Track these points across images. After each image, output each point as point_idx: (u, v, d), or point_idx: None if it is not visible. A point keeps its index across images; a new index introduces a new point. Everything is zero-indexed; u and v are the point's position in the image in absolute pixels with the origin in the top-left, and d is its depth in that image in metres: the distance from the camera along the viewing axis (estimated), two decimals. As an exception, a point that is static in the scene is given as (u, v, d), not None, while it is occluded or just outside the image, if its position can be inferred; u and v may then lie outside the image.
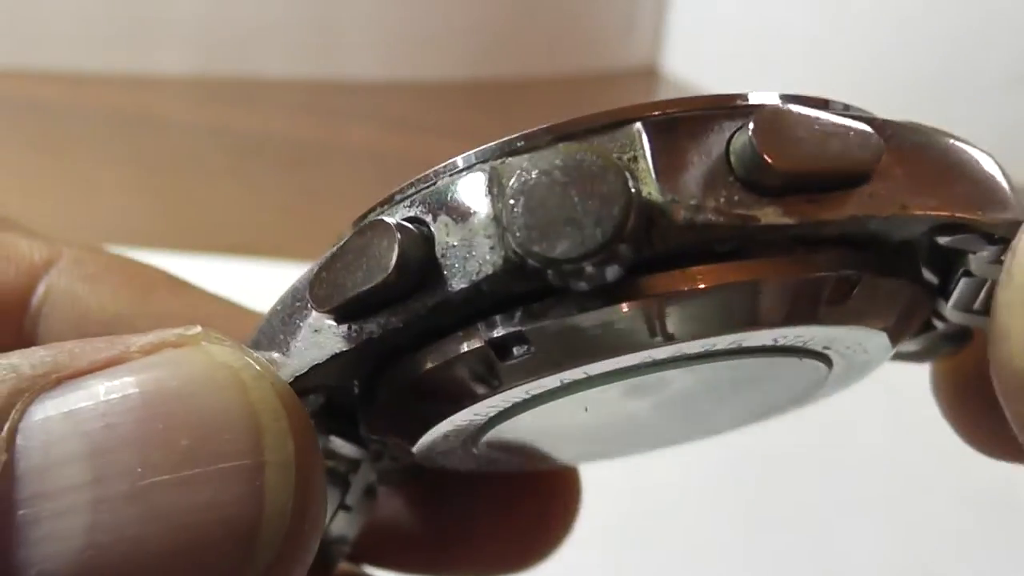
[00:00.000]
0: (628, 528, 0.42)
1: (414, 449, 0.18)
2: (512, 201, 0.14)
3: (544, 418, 0.17)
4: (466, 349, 0.15)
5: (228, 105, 0.79)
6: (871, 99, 0.73)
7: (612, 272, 0.14)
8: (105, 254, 0.24)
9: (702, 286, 0.14)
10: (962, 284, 0.17)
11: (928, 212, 0.15)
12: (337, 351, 0.15)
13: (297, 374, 0.16)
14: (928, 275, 0.17)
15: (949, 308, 0.17)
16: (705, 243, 0.14)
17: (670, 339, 0.15)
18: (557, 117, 0.16)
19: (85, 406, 0.14)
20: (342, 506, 0.20)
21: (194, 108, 0.79)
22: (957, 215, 0.15)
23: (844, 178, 0.14)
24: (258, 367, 0.15)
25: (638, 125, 0.14)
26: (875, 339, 0.17)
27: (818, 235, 0.15)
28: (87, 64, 0.80)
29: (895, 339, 0.17)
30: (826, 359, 0.17)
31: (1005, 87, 0.73)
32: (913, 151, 0.15)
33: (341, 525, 0.21)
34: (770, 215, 0.14)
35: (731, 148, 0.14)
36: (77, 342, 0.15)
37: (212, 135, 0.75)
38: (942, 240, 0.16)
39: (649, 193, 0.14)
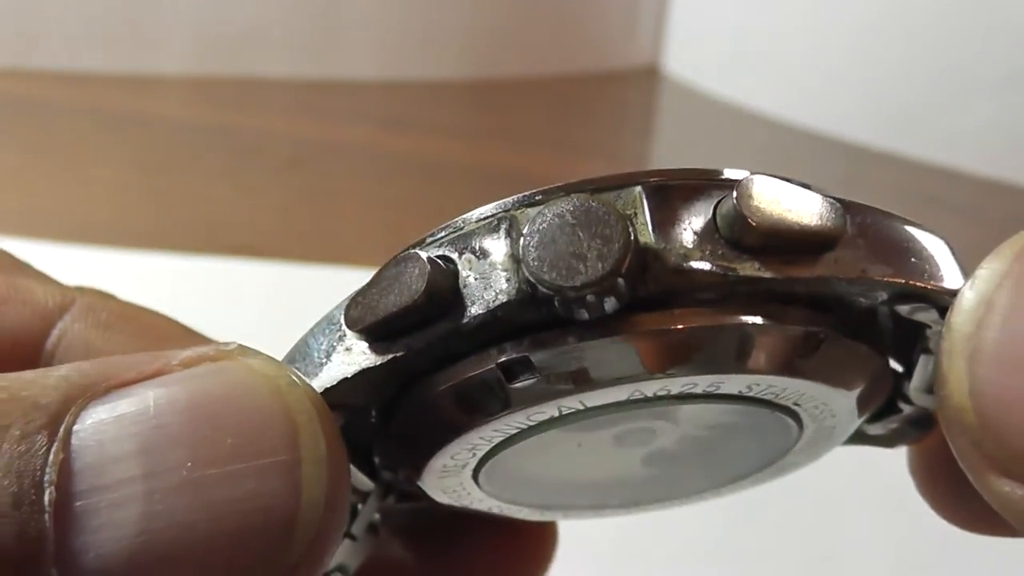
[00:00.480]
0: (623, 540, 0.42)
1: (420, 479, 0.19)
2: (528, 239, 0.16)
3: (540, 453, 0.19)
4: (478, 371, 0.17)
5: (228, 105, 0.79)
6: (871, 99, 0.73)
7: (610, 304, 0.16)
8: (118, 301, 0.25)
9: (680, 326, 0.17)
10: (922, 361, 0.19)
11: (885, 279, 0.17)
12: (365, 367, 0.17)
13: (327, 386, 0.18)
14: (892, 361, 0.20)
15: (912, 388, 0.19)
16: (691, 289, 0.16)
17: (655, 372, 0.17)
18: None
19: (135, 410, 0.15)
20: (347, 534, 0.21)
21: (194, 108, 0.79)
22: (910, 282, 0.17)
23: (813, 243, 0.17)
24: (292, 375, 0.17)
25: (639, 188, 0.17)
26: (842, 402, 0.19)
27: (791, 292, 0.17)
28: (87, 64, 0.80)
29: (862, 406, 0.19)
30: (796, 417, 0.19)
31: (1005, 87, 0.73)
32: (873, 227, 0.17)
33: (344, 553, 0.22)
34: (747, 268, 0.16)
35: (717, 212, 0.17)
36: (122, 357, 0.16)
37: (211, 135, 0.75)
38: (901, 309, 0.18)
39: (646, 241, 0.16)
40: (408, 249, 0.18)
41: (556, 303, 0.16)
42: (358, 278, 0.18)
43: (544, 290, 0.16)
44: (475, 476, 0.20)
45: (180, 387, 0.16)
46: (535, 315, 0.17)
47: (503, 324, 0.17)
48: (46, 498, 0.14)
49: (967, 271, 0.17)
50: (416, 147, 0.75)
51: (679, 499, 0.23)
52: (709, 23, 0.87)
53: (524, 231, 0.16)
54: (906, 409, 0.21)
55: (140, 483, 0.15)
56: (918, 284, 0.17)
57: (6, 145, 0.72)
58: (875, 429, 0.22)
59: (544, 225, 0.16)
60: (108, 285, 0.25)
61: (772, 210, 0.17)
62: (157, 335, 0.25)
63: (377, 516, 0.23)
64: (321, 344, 0.18)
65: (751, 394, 0.18)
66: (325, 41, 0.83)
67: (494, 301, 0.17)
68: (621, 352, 0.17)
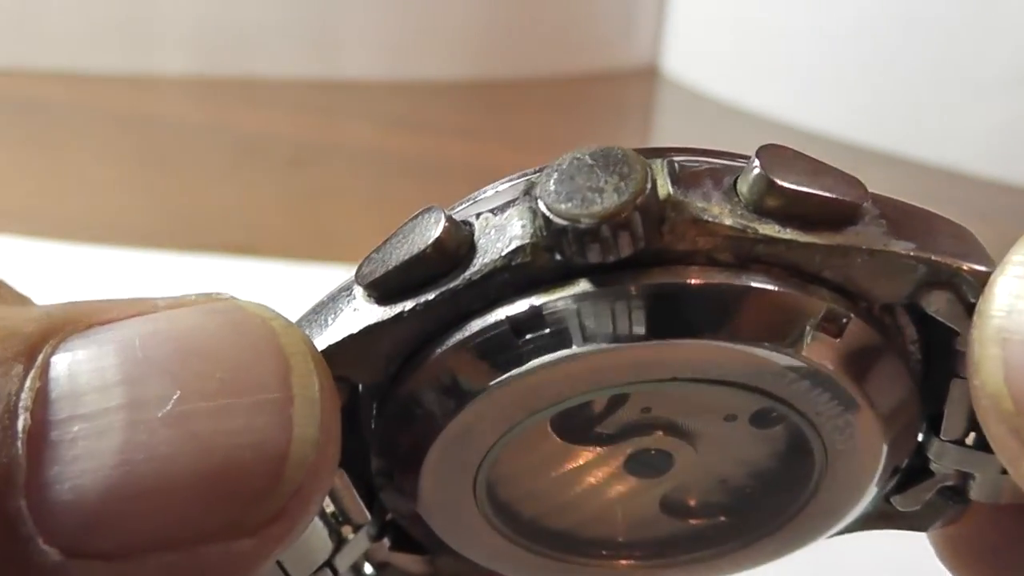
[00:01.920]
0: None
1: (418, 481, 0.18)
2: (546, 177, 0.16)
3: (547, 462, 0.18)
4: (484, 327, 0.16)
5: (228, 105, 0.79)
6: (871, 98, 0.73)
7: (624, 243, 0.15)
8: None
9: (694, 281, 0.16)
10: (953, 400, 0.18)
11: (910, 253, 0.16)
12: (370, 323, 0.17)
13: (330, 343, 0.17)
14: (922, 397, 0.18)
15: (941, 442, 0.18)
16: (709, 246, 0.16)
17: (663, 331, 0.16)
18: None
19: (119, 342, 0.15)
20: (329, 565, 0.20)
21: (194, 108, 0.79)
22: (935, 258, 0.16)
23: (835, 213, 0.16)
24: (286, 320, 0.16)
25: (662, 160, 0.17)
26: (865, 422, 0.17)
27: (812, 267, 0.16)
28: (87, 64, 0.80)
29: (887, 429, 0.18)
30: (814, 429, 0.18)
31: (1005, 87, 0.73)
32: (897, 205, 0.17)
33: None
34: (767, 229, 0.16)
35: (740, 178, 0.16)
36: (106, 299, 0.16)
37: (212, 135, 0.75)
38: (927, 304, 0.17)
39: (666, 194, 0.16)
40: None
41: (570, 241, 0.16)
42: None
43: (559, 220, 0.16)
44: (475, 484, 0.18)
45: (168, 322, 0.15)
46: (548, 261, 0.16)
47: (515, 273, 0.16)
48: (19, 424, 0.14)
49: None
50: (416, 147, 0.75)
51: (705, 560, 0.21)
52: (708, 23, 0.87)
53: (543, 175, 0.16)
54: (938, 471, 0.19)
55: (122, 412, 0.14)
56: (945, 262, 0.16)
57: (6, 144, 0.72)
58: (905, 503, 0.20)
59: (564, 165, 0.16)
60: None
61: (795, 174, 0.16)
62: None
63: (369, 568, 0.21)
64: (329, 305, 0.17)
65: (765, 386, 0.17)
66: (325, 41, 0.83)
67: (507, 247, 0.16)
68: (632, 303, 0.16)
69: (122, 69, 0.80)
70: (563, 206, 0.16)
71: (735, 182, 0.16)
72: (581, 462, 0.19)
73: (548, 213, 0.16)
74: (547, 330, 0.16)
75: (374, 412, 0.18)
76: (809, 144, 0.80)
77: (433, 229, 0.16)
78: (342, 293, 0.17)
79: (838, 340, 0.17)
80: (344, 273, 0.18)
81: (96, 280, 0.51)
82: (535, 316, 0.16)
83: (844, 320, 0.16)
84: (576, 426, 0.18)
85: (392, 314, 0.17)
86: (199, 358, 0.15)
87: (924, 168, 0.75)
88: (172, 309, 0.16)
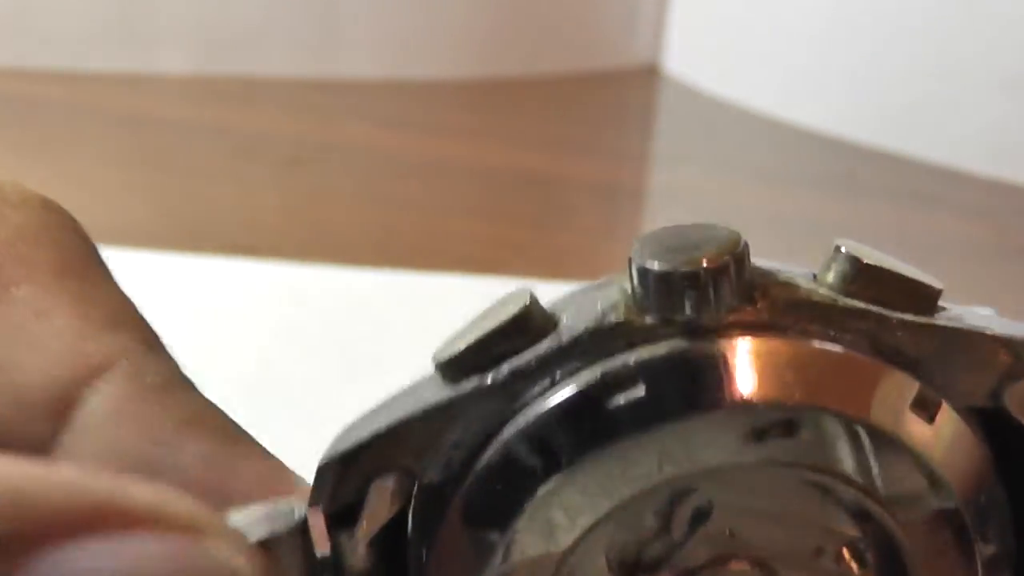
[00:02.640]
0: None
1: None
2: (637, 245, 0.15)
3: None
4: (571, 392, 0.15)
5: (228, 105, 0.79)
6: (871, 98, 0.73)
7: (726, 293, 0.15)
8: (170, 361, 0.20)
9: (794, 341, 0.16)
10: None
11: (1011, 334, 0.16)
12: (434, 402, 0.15)
13: (382, 430, 0.15)
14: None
15: None
16: (798, 313, 0.16)
17: (757, 397, 0.15)
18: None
19: None
20: None
21: (194, 108, 0.79)
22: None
23: (919, 297, 0.16)
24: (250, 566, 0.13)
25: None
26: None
27: (897, 347, 0.16)
28: (87, 64, 0.80)
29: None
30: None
31: (1007, 87, 0.73)
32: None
33: None
34: (853, 303, 0.16)
35: (821, 269, 0.16)
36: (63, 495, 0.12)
37: (211, 134, 0.75)
38: (1012, 401, 0.16)
39: (755, 266, 0.16)
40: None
41: (667, 291, 0.15)
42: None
43: (656, 268, 0.15)
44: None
45: (110, 561, 0.12)
46: (642, 323, 0.15)
47: (604, 338, 0.15)
48: None
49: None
50: (416, 147, 0.75)
51: None
52: (709, 22, 0.87)
53: (634, 249, 0.15)
54: None
55: None
56: None
57: (7, 145, 0.72)
58: None
59: (653, 235, 0.15)
60: None
61: (878, 258, 0.16)
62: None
63: None
64: (402, 393, 0.16)
65: (856, 480, 0.16)
66: (325, 41, 0.83)
67: (599, 312, 0.15)
68: (726, 362, 0.15)
69: (122, 69, 0.80)
70: (657, 260, 0.15)
71: (814, 275, 0.16)
72: None
73: (643, 266, 0.15)
74: (643, 391, 0.15)
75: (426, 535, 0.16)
76: (809, 144, 0.81)
77: (516, 304, 0.15)
78: (421, 380, 0.16)
79: (932, 425, 0.16)
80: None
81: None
82: (629, 374, 0.15)
83: (935, 400, 0.16)
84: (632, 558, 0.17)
85: (460, 393, 0.15)
86: None
87: (924, 167, 0.75)
88: (126, 536, 0.12)
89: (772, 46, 0.82)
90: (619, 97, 0.89)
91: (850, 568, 0.17)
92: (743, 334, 0.15)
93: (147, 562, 0.12)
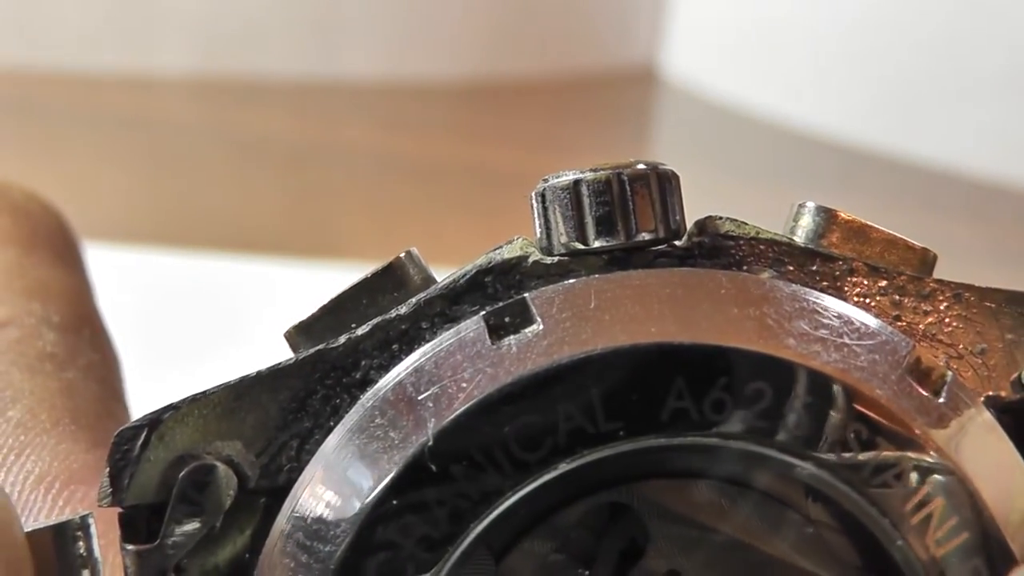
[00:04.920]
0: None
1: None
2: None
3: None
4: (451, 336, 0.14)
5: (228, 105, 0.79)
6: (871, 98, 0.73)
7: (641, 217, 0.14)
8: None
9: (716, 273, 0.15)
10: None
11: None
12: (255, 372, 0.14)
13: (185, 401, 0.14)
14: None
15: None
16: (735, 253, 0.15)
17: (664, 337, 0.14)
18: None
19: None
20: None
21: (194, 108, 0.79)
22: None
23: (914, 260, 0.16)
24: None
25: None
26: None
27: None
28: (87, 64, 0.80)
29: None
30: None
31: (1006, 88, 0.73)
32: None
33: None
34: (824, 248, 0.15)
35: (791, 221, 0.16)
36: None
37: (212, 135, 0.75)
38: None
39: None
40: None
41: (572, 210, 0.14)
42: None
43: (561, 180, 0.14)
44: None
45: None
46: (540, 259, 0.15)
47: (497, 274, 0.15)
48: None
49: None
50: (416, 147, 0.75)
51: None
52: (707, 24, 0.87)
53: None
54: None
55: None
56: None
57: (7, 145, 0.72)
58: None
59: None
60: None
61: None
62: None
63: None
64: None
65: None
66: (325, 41, 0.84)
67: (487, 257, 0.15)
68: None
69: (122, 69, 0.81)
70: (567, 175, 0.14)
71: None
72: None
73: (547, 183, 0.14)
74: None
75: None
76: (809, 144, 0.81)
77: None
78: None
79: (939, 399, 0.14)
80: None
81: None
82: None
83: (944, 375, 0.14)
84: None
85: (301, 356, 0.14)
86: None
87: (923, 169, 0.75)
88: None
89: (770, 48, 0.83)
90: (617, 98, 0.89)
91: None
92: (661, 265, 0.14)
93: None
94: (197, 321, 0.46)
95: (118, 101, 0.78)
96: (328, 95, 0.81)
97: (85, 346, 0.21)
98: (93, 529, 0.14)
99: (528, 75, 0.87)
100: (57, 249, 0.23)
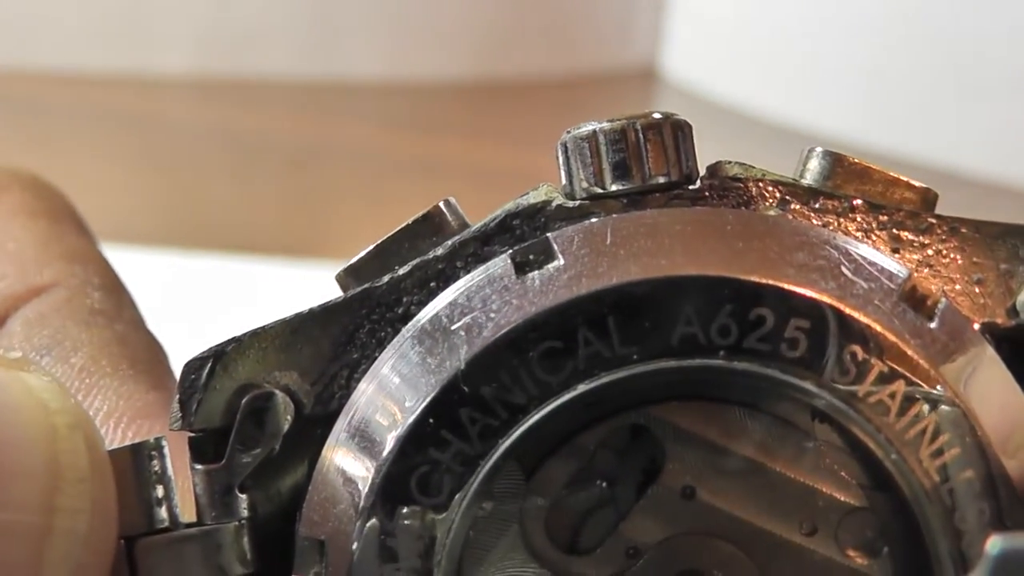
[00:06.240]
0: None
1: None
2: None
3: None
4: (481, 273, 0.16)
5: (228, 105, 0.79)
6: (871, 99, 0.72)
7: (656, 161, 0.16)
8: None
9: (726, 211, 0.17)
10: None
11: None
12: (310, 309, 0.17)
13: (246, 336, 0.16)
14: None
15: None
16: (744, 193, 0.17)
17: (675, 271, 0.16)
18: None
19: None
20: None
21: (194, 108, 0.79)
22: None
23: (915, 198, 0.18)
24: (76, 415, 0.14)
25: None
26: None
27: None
28: (87, 64, 0.80)
29: None
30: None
31: (1008, 89, 0.73)
32: None
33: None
34: (827, 187, 0.18)
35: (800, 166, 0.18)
36: None
37: (212, 135, 0.75)
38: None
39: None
40: None
41: (591, 157, 0.16)
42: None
43: (582, 132, 0.17)
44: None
45: None
46: (564, 202, 0.17)
47: (524, 218, 0.16)
48: None
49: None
50: (415, 147, 0.75)
51: None
52: (707, 24, 0.87)
53: None
54: None
55: None
56: None
57: (7, 145, 0.72)
58: None
59: None
60: None
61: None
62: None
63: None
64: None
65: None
66: (326, 41, 0.83)
67: (516, 201, 0.17)
68: None
69: (122, 69, 0.80)
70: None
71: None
72: None
73: (570, 134, 0.16)
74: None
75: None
76: (807, 145, 0.80)
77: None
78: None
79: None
80: None
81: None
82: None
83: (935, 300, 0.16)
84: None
85: (352, 294, 0.16)
86: None
87: (923, 169, 0.75)
88: None
89: (770, 49, 0.83)
90: (617, 98, 0.89)
91: (850, 557, 0.17)
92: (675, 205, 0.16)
93: None
94: (197, 321, 0.46)
95: (118, 101, 0.78)
96: (328, 95, 0.81)
97: (128, 302, 0.23)
98: (167, 450, 0.16)
99: (528, 75, 0.87)
100: (77, 221, 0.25)
